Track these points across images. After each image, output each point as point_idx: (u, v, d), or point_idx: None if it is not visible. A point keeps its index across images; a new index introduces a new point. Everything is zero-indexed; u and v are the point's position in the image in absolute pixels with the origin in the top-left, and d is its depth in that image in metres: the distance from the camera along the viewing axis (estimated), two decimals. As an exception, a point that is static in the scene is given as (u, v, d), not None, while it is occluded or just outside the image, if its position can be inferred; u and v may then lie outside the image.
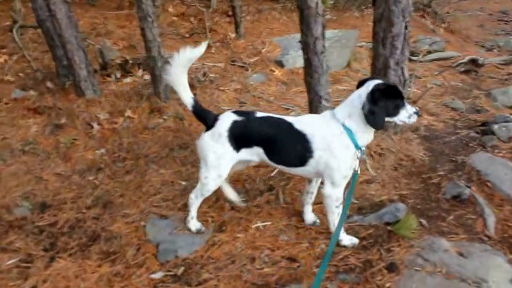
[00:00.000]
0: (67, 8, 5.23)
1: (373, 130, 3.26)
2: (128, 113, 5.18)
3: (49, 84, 5.93)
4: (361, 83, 3.30)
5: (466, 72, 7.65)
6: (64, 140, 4.95)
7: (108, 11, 8.24)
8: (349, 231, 3.64)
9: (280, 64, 6.67)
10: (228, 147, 3.38)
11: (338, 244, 3.51)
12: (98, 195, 4.18)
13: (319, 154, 3.27)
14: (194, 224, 3.72)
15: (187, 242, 3.63)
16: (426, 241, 3.55)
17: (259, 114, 3.48)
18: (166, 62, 3.37)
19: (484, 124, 5.27)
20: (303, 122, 3.37)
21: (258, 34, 7.81)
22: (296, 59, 6.56)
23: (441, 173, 4.35)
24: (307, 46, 4.04)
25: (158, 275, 3.37)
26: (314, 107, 4.30)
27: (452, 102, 6.17)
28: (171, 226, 3.80)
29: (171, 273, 3.37)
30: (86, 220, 3.90)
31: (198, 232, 3.69)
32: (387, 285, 3.15)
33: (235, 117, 3.41)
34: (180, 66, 3.37)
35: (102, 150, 4.85)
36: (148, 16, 5.01)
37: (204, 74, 5.86)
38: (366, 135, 3.26)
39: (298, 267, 3.35)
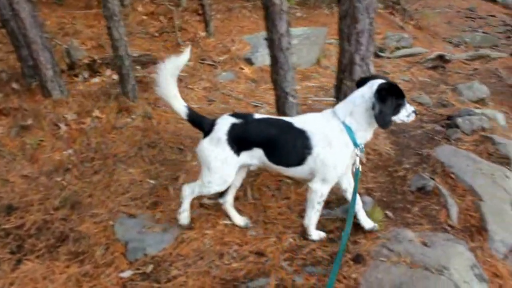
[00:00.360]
0: (31, 7, 5.18)
1: (372, 128, 3.30)
2: (96, 113, 5.15)
3: (14, 85, 5.87)
4: (361, 82, 3.35)
5: (434, 68, 7.78)
6: (30, 141, 4.90)
7: (76, 11, 8.17)
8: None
9: (249, 62, 6.71)
10: (229, 151, 3.33)
11: (306, 238, 3.58)
12: (66, 196, 4.16)
13: (317, 151, 3.27)
14: (184, 217, 3.68)
15: (156, 240, 3.64)
16: (391, 232, 3.62)
17: (257, 115, 3.47)
18: (155, 73, 3.31)
19: (449, 118, 5.38)
20: (303, 121, 3.38)
21: (228, 32, 7.83)
22: (265, 57, 6.60)
23: (407, 166, 4.43)
24: (272, 43, 4.08)
25: (127, 274, 3.38)
26: (281, 103, 4.35)
27: (419, 97, 6.28)
28: (139, 224, 3.80)
29: (140, 271, 3.38)
30: (54, 222, 3.88)
31: (186, 227, 3.67)
32: (354, 276, 3.21)
33: (233, 120, 3.37)
34: (168, 76, 3.32)
35: (70, 151, 4.82)
36: (114, 15, 4.99)
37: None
38: (365, 134, 3.30)
39: (266, 261, 3.39)
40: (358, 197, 3.59)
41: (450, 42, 9.55)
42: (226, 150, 3.32)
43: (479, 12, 11.41)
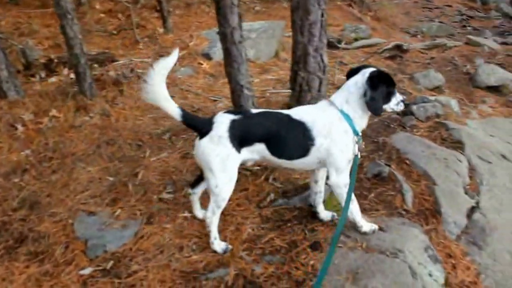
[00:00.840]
0: (-16, 7, 5.11)
1: (367, 116, 3.36)
2: (53, 112, 5.10)
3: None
4: (352, 72, 3.40)
5: (391, 57, 7.90)
6: (-14, 143, 4.84)
7: (32, 10, 8.02)
8: (274, 214, 3.77)
9: (207, 56, 6.73)
10: (231, 148, 3.23)
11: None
12: (24, 197, 4.15)
13: (320, 141, 3.27)
14: (218, 244, 3.47)
15: (116, 236, 3.66)
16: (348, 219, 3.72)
17: (254, 110, 3.46)
18: (143, 80, 3.25)
19: (405, 105, 5.51)
20: (300, 112, 3.39)
21: (187, 28, 7.82)
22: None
23: (363, 154, 4.52)
24: (225, 37, 4.12)
25: (87, 271, 3.39)
26: (236, 96, 4.40)
27: (377, 86, 6.38)
28: (99, 222, 3.82)
29: (100, 267, 3.40)
30: (12, 223, 3.87)
31: (225, 252, 3.45)
32: (311, 263, 3.29)
33: (232, 117, 3.30)
34: (158, 80, 3.21)
35: (27, 151, 4.78)
36: (67, 13, 4.95)
37: (132, 70, 5.83)
38: (362, 121, 3.35)
39: (225, 252, 3.44)
40: (322, 188, 3.68)
41: (408, 32, 9.74)
42: (228, 148, 3.23)
43: (436, 3, 11.66)
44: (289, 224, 3.70)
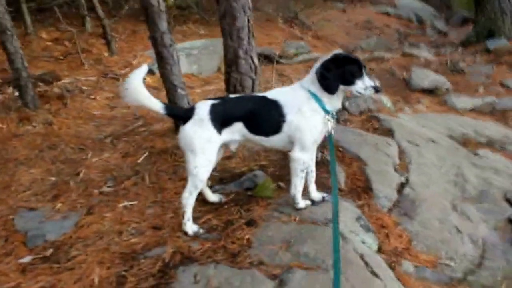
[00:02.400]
0: None
1: (339, 95, 3.45)
2: None
3: None
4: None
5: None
6: None
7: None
8: (209, 206, 3.86)
9: (151, 72, 6.87)
10: (212, 130, 3.40)
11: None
12: (-38, 199, 4.15)
13: (291, 118, 3.42)
14: (190, 226, 3.52)
15: (56, 227, 3.70)
16: (282, 198, 3.86)
17: (232, 95, 3.64)
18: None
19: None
20: (275, 93, 3.57)
21: (131, 50, 8.01)
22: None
23: (299, 145, 4.72)
24: (155, 41, 4.41)
25: (26, 259, 3.42)
26: (171, 95, 4.62)
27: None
28: (40, 216, 3.86)
29: (40, 256, 3.43)
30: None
31: (196, 235, 3.50)
32: (246, 237, 3.39)
33: (212, 102, 3.50)
34: (135, 82, 3.35)
35: (-33, 157, 4.80)
36: (7, 30, 5.12)
37: (76, 87, 5.96)
38: (332, 101, 3.43)
39: (163, 234, 3.52)
40: (313, 168, 3.79)
41: (347, 48, 10.13)
42: (210, 129, 3.39)
43: (375, 24, 12.24)
44: (225, 206, 3.82)
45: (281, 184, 4.08)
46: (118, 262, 3.29)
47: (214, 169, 4.27)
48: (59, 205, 3.95)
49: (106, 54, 7.75)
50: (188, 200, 3.48)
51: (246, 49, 4.63)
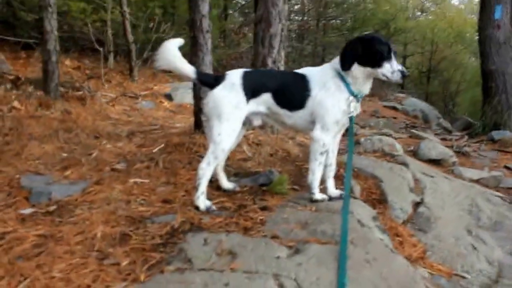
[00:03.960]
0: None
1: (367, 79, 3.45)
2: (15, 104, 5.14)
3: None
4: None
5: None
6: None
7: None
8: (223, 192, 3.76)
9: (169, 97, 7.04)
10: (242, 96, 3.38)
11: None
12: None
13: (315, 93, 3.42)
14: (203, 201, 3.38)
15: (62, 189, 3.59)
16: (298, 194, 3.79)
17: (262, 68, 3.64)
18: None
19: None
20: (304, 69, 3.61)
21: (151, 82, 8.17)
22: (184, 96, 6.98)
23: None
24: (194, 24, 4.40)
25: (27, 211, 3.27)
26: (198, 88, 4.57)
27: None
28: (47, 179, 3.75)
29: (42, 210, 3.28)
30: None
31: (208, 210, 3.35)
32: (260, 218, 3.28)
33: (244, 70, 3.52)
34: (171, 46, 3.36)
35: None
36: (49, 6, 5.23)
37: (96, 94, 6.02)
38: (357, 83, 3.40)
39: (173, 207, 3.39)
40: (333, 161, 3.78)
41: (357, 124, 10.30)
42: (240, 95, 3.37)
43: (383, 114, 12.56)
44: (239, 194, 3.72)
45: (296, 187, 4.01)
46: (123, 223, 3.14)
47: (231, 166, 4.26)
48: (68, 172, 3.85)
49: (127, 81, 7.86)
50: (206, 171, 3.37)
51: (275, 58, 4.72)
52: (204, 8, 4.35)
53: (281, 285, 2.46)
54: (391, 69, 3.32)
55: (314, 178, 3.57)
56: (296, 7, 22.47)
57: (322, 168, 3.59)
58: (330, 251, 2.84)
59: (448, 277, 3.41)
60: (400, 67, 3.36)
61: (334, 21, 22.37)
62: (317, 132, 3.46)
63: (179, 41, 3.44)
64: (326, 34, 20.59)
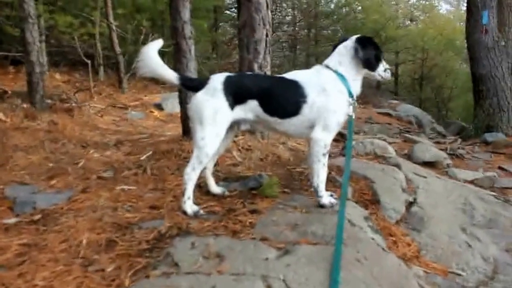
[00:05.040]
0: None
1: (360, 78, 3.44)
2: (0, 116, 5.07)
3: None
4: (338, 43, 3.54)
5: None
6: None
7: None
8: (212, 197, 3.70)
9: (159, 107, 6.97)
10: (224, 102, 3.25)
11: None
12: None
13: (313, 99, 3.29)
14: (190, 206, 3.31)
15: (48, 198, 3.53)
16: (288, 197, 3.73)
17: (249, 72, 3.54)
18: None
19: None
20: (294, 74, 3.47)
21: (142, 93, 8.13)
22: (175, 105, 6.84)
23: (305, 167, 4.61)
24: (176, 30, 4.37)
25: (11, 220, 3.20)
26: (184, 95, 4.52)
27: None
28: (32, 189, 3.68)
29: (27, 220, 3.22)
30: None
31: (196, 215, 3.27)
32: (249, 221, 3.22)
33: (228, 74, 3.41)
34: (151, 52, 3.30)
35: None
36: (29, 17, 5.19)
37: (84, 105, 5.96)
38: (355, 83, 3.40)
39: (161, 212, 3.34)
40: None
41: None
42: (222, 100, 3.25)
43: (377, 120, 12.54)
44: (228, 199, 3.66)
45: (287, 190, 3.95)
46: (110, 229, 3.09)
47: (220, 171, 4.20)
48: (53, 182, 3.78)
49: (117, 93, 7.81)
50: (191, 175, 3.29)
51: (261, 64, 4.67)
52: (185, 14, 4.33)
53: (269, 286, 2.41)
54: (383, 67, 3.41)
55: (320, 181, 3.46)
56: (287, 18, 22.63)
57: (326, 169, 3.48)
58: (320, 252, 2.78)
59: (443, 275, 3.36)
60: (387, 65, 3.44)
61: (325, 31, 22.44)
62: (318, 133, 3.35)
63: (158, 43, 3.38)
64: (318, 44, 20.63)
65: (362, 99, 15.53)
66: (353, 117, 3.38)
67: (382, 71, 3.43)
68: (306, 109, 3.32)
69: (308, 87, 3.32)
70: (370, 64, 3.39)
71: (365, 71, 3.42)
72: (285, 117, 3.38)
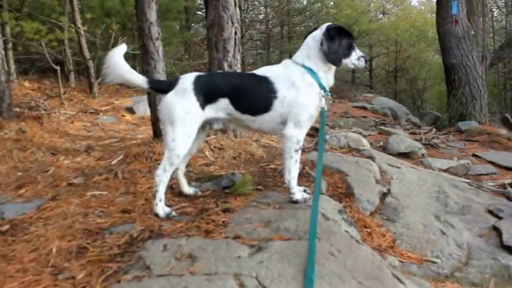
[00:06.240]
0: None
1: (332, 71, 3.35)
2: None
3: None
4: (311, 30, 3.48)
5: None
6: None
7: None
8: (184, 197, 3.67)
9: (131, 111, 6.90)
10: (194, 102, 3.20)
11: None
12: None
13: (283, 94, 3.24)
14: (162, 208, 3.27)
15: (16, 208, 3.46)
16: (261, 194, 3.71)
17: (219, 70, 3.44)
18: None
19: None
20: (263, 70, 3.41)
21: (113, 97, 8.03)
22: (147, 108, 6.70)
23: (278, 163, 4.60)
24: (142, 32, 4.31)
25: (-23, 232, 3.13)
26: (153, 97, 4.47)
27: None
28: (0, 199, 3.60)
29: (-6, 231, 3.15)
30: None
31: (168, 217, 3.23)
32: (223, 220, 3.19)
33: (197, 74, 3.35)
34: (117, 58, 3.22)
35: None
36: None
37: (54, 112, 5.86)
38: (326, 75, 3.33)
39: (133, 216, 3.28)
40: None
41: (326, 125, 10.26)
42: (192, 100, 3.20)
43: (352, 114, 12.64)
44: (201, 199, 3.62)
45: (260, 187, 3.93)
46: (80, 236, 3.03)
47: (192, 172, 4.17)
48: (22, 191, 3.71)
49: (88, 98, 7.69)
50: (162, 177, 3.24)
51: (231, 62, 4.64)
52: (152, 15, 4.27)
53: (242, 284, 2.38)
54: (356, 56, 3.32)
55: (291, 177, 3.41)
56: (260, 16, 22.66)
57: (298, 166, 3.43)
58: (292, 247, 2.76)
59: (418, 263, 3.39)
60: (361, 53, 3.35)
61: (298, 27, 22.49)
62: (290, 130, 3.31)
63: (122, 48, 3.30)
64: (291, 41, 20.67)
65: (337, 94, 15.66)
66: (325, 109, 3.32)
67: (356, 59, 3.34)
68: (277, 105, 3.27)
69: (278, 83, 3.28)
70: (332, 58, 3.29)
71: None
72: (257, 114, 3.34)
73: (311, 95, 3.27)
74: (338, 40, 3.29)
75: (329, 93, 3.35)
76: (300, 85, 3.26)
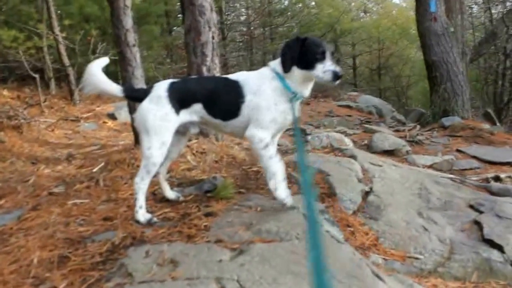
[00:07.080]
0: None
1: (305, 83, 3.27)
2: None
3: None
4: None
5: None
6: None
7: None
8: (166, 203, 3.66)
9: (112, 117, 6.85)
10: (169, 109, 3.21)
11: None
12: None
13: (250, 98, 3.23)
14: (143, 214, 3.26)
15: (-5, 219, 3.42)
16: (243, 197, 3.72)
17: (193, 76, 3.43)
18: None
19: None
20: (237, 74, 3.41)
21: (94, 104, 7.97)
22: (128, 114, 6.77)
23: (260, 166, 4.60)
24: (118, 39, 4.30)
25: (-45, 246, 3.09)
26: (132, 103, 4.42)
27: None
28: (-22, 211, 3.56)
29: (-27, 243, 3.12)
30: None
31: (149, 223, 3.23)
32: (204, 224, 3.20)
33: (171, 80, 3.36)
34: (95, 69, 3.25)
35: None
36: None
37: (34, 121, 5.81)
38: (297, 85, 3.23)
39: (114, 223, 3.27)
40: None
41: (311, 125, 10.32)
42: (166, 107, 3.21)
43: (337, 113, 12.68)
44: (183, 203, 3.62)
45: (242, 190, 3.93)
46: (62, 246, 3.00)
47: (174, 177, 4.16)
48: (2, 202, 3.67)
49: (69, 106, 7.63)
50: (140, 185, 3.25)
51: (210, 66, 4.63)
52: (127, 22, 4.25)
53: (223, 287, 2.38)
54: (323, 69, 3.17)
55: (271, 175, 3.33)
56: (241, 18, 22.67)
57: (275, 163, 3.33)
58: (273, 249, 2.79)
59: (402, 260, 3.41)
60: (333, 67, 3.17)
61: (280, 28, 22.54)
62: (250, 130, 3.26)
63: (103, 61, 3.33)
64: (274, 42, 20.69)
65: (322, 93, 15.68)
66: (296, 113, 3.19)
67: (321, 72, 3.18)
68: (245, 110, 3.27)
69: (246, 88, 3.27)
70: (283, 65, 3.24)
71: (305, 72, 3.22)
72: (227, 119, 3.34)
73: (274, 99, 3.23)
74: (293, 49, 3.23)
75: (300, 97, 3.28)
76: (266, 89, 3.24)
